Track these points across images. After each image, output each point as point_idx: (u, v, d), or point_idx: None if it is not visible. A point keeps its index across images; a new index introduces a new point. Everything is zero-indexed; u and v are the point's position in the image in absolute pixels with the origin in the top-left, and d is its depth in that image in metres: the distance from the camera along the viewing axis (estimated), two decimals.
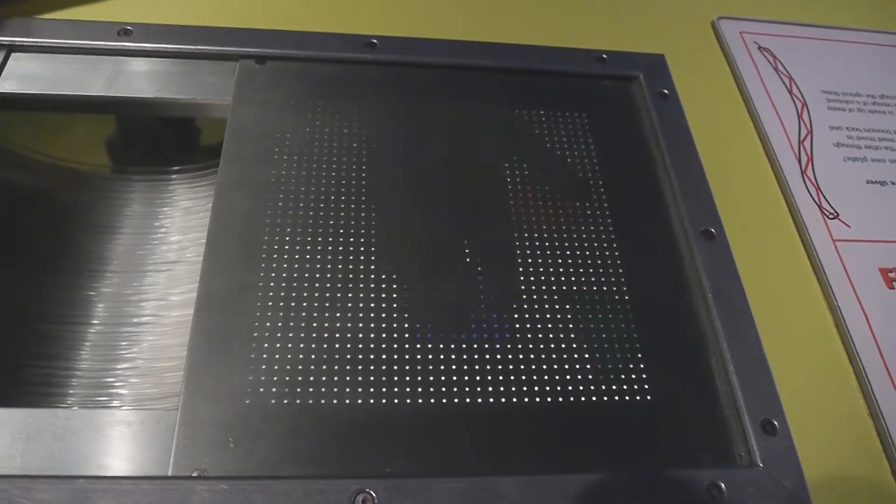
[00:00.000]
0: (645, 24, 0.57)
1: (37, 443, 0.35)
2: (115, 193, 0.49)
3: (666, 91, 0.52)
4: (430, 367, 0.38)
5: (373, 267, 0.41)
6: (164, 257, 0.46)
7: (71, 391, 0.41)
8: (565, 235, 0.44)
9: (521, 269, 0.42)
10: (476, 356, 0.39)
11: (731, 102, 0.53)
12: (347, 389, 0.37)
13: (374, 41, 0.51)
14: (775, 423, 0.38)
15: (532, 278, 0.42)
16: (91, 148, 0.51)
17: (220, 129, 0.47)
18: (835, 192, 0.49)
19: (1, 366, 0.42)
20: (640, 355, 0.40)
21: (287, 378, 0.37)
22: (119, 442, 0.35)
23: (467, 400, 0.37)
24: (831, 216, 0.47)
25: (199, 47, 0.50)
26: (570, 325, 0.41)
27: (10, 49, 0.49)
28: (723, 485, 0.36)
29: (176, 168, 0.51)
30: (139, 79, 0.49)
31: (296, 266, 0.41)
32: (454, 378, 0.38)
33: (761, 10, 0.60)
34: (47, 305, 0.45)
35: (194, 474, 0.34)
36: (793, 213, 0.48)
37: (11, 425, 0.35)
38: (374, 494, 0.34)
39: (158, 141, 0.52)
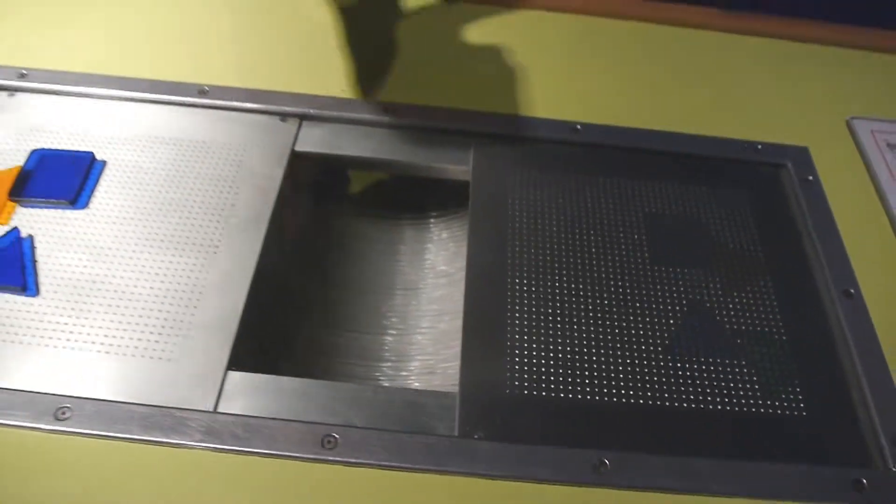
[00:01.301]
0: (790, 119, 0.70)
1: (364, 408, 0.49)
2: (391, 233, 0.64)
3: (811, 178, 0.65)
4: (639, 377, 0.51)
5: (589, 303, 0.55)
6: (434, 282, 0.61)
7: (377, 379, 0.56)
8: (735, 286, 0.57)
9: (702, 312, 0.55)
10: (671, 372, 0.51)
11: (864, 189, 0.65)
12: (579, 388, 0.50)
13: (578, 126, 0.66)
14: None
15: (709, 318, 0.55)
16: (371, 198, 0.67)
17: (463, 186, 0.61)
18: None
19: (327, 362, 0.57)
20: (796, 381, 0.52)
21: (535, 377, 0.50)
22: (416, 412, 0.49)
23: (667, 403, 0.50)
24: None
25: (444, 124, 0.65)
26: (744, 358, 0.53)
27: (303, 118, 0.65)
28: (865, 481, 0.48)
29: (433, 214, 0.66)
30: (399, 145, 0.64)
31: (533, 300, 0.54)
32: (657, 386, 0.51)
33: (890, 111, 0.72)
34: (353, 318, 0.60)
35: (476, 437, 0.47)
36: None
37: (344, 395, 0.49)
38: (607, 462, 0.46)
39: (419, 193, 0.67)
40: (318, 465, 0.46)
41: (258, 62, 0.69)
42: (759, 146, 0.67)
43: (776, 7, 0.81)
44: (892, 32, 0.79)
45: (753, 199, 0.63)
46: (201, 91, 0.65)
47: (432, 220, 0.66)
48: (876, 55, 0.79)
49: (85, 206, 0.58)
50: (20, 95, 0.65)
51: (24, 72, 0.66)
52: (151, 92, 0.65)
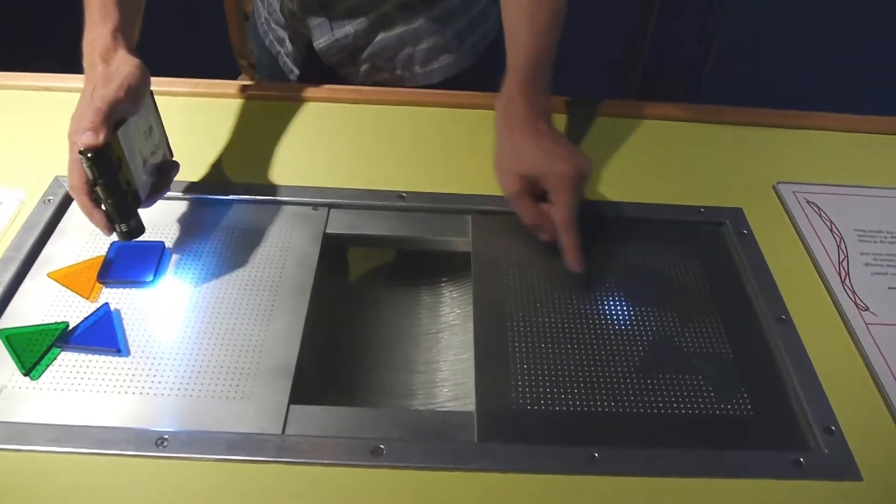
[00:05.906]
0: (728, 187, 0.86)
1: (403, 425, 0.61)
2: (411, 296, 0.78)
3: (745, 231, 0.80)
4: (618, 391, 0.64)
5: (576, 334, 0.68)
6: (451, 330, 0.75)
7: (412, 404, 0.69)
8: (689, 318, 0.70)
9: (664, 339, 0.68)
10: (643, 386, 0.64)
11: (789, 237, 0.80)
12: (572, 401, 0.63)
13: None
14: (833, 427, 0.62)
15: (670, 343, 0.68)
16: (390, 271, 0.81)
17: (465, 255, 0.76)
18: (866, 294, 0.74)
19: (370, 394, 0.70)
20: (743, 388, 0.65)
21: (534, 396, 0.63)
22: (441, 426, 0.61)
23: (641, 409, 0.63)
24: (864, 309, 0.72)
25: (447, 205, 0.80)
26: (699, 373, 0.66)
27: (331, 206, 0.80)
28: (803, 460, 0.60)
29: (444, 279, 0.80)
30: (410, 225, 0.79)
31: (529, 339, 0.68)
32: (632, 397, 0.63)
33: (807, 176, 0.88)
34: (387, 360, 0.73)
35: (492, 442, 0.60)
36: (837, 307, 0.73)
37: (386, 417, 0.62)
38: (597, 455, 0.59)
39: (431, 263, 0.81)
40: (368, 469, 0.58)
41: (292, 162, 0.84)
42: (702, 209, 0.82)
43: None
44: (803, 113, 0.97)
45: (701, 251, 0.78)
46: (246, 189, 0.80)
47: (443, 283, 0.80)
48: (791, 132, 0.96)
49: (158, 284, 0.71)
50: None
51: None
52: (203, 193, 0.79)
